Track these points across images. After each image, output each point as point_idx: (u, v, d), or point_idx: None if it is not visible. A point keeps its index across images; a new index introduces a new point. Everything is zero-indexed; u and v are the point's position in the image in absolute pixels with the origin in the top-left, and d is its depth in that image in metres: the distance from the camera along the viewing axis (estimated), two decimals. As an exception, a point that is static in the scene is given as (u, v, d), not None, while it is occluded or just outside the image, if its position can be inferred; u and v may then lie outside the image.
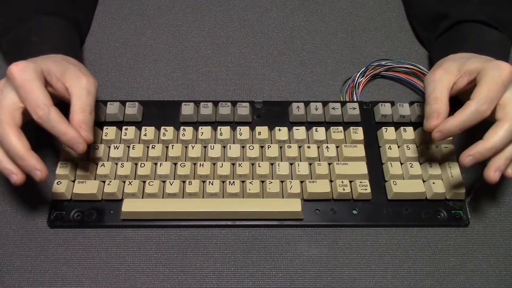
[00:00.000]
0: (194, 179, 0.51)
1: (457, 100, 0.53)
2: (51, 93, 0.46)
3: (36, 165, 0.44)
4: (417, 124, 0.55)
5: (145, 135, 0.53)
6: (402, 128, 0.54)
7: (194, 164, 0.52)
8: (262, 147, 0.54)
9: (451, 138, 0.54)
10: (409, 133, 0.54)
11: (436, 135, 0.46)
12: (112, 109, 0.55)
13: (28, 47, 0.51)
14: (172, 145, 0.53)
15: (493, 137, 0.44)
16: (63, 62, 0.48)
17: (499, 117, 0.45)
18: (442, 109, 0.46)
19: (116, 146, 0.53)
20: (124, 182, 0.51)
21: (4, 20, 0.55)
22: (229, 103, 0.56)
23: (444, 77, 0.47)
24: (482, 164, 0.55)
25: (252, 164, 0.52)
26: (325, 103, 0.56)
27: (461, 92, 0.49)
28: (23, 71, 0.44)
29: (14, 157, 0.43)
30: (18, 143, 0.43)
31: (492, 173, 0.45)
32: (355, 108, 0.56)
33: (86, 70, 0.50)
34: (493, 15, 0.55)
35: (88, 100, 0.46)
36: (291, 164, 0.53)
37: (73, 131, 0.44)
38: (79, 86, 0.46)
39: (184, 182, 0.51)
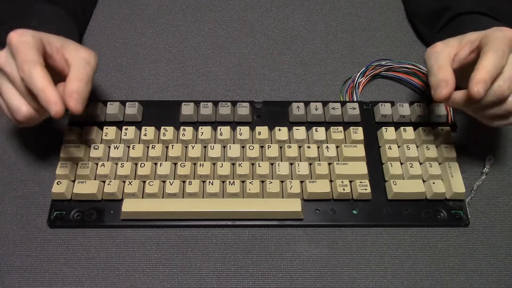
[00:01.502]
0: (194, 179, 0.51)
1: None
2: (51, 64, 0.46)
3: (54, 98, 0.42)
4: (417, 124, 0.55)
5: (145, 135, 0.53)
6: (402, 128, 0.54)
7: (194, 164, 0.52)
8: (262, 147, 0.54)
9: (451, 138, 0.54)
10: (409, 133, 0.54)
11: (476, 89, 0.42)
12: (112, 109, 0.55)
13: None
14: (172, 145, 0.53)
15: (484, 62, 0.43)
16: (62, 36, 0.48)
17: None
18: (449, 76, 0.45)
19: (116, 146, 0.53)
20: (124, 182, 0.51)
21: (4, 9, 0.55)
22: (229, 103, 0.56)
23: (445, 49, 0.47)
24: (482, 164, 0.55)
25: (252, 164, 0.52)
26: (325, 103, 0.56)
27: (463, 64, 0.48)
28: (20, 36, 0.44)
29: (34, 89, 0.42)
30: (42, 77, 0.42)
31: (475, 86, 0.42)
32: (355, 108, 0.56)
33: (91, 51, 0.49)
34: (493, 6, 0.55)
35: (86, 70, 0.45)
36: (291, 164, 0.53)
37: (53, 90, 0.42)
38: (78, 56, 0.46)
39: (184, 182, 0.51)
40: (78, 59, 0.46)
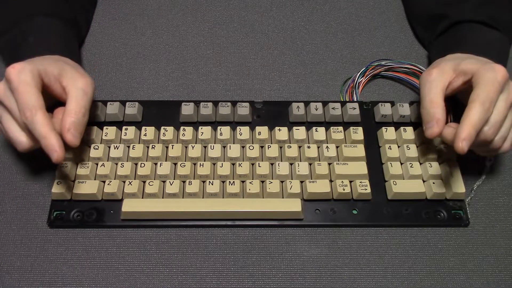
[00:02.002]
0: (194, 179, 0.51)
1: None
2: (49, 93, 0.47)
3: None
4: (417, 124, 0.55)
5: (145, 135, 0.53)
6: (402, 128, 0.54)
7: (194, 164, 0.52)
8: (262, 147, 0.54)
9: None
10: (409, 133, 0.54)
11: (461, 145, 0.44)
12: (112, 109, 0.55)
13: (25, 48, 0.51)
14: (172, 145, 0.53)
15: (470, 114, 0.44)
16: (60, 62, 0.48)
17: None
18: (439, 114, 0.46)
19: (116, 146, 0.53)
20: (124, 182, 0.51)
21: (1, 22, 0.55)
22: (229, 103, 0.56)
23: (439, 77, 0.48)
24: (482, 164, 0.55)
25: (252, 164, 0.52)
26: (325, 103, 0.56)
27: (455, 92, 0.49)
28: (19, 73, 0.44)
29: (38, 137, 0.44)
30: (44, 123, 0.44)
31: (460, 143, 0.44)
32: (355, 108, 0.56)
33: (83, 70, 0.50)
34: (492, 15, 0.55)
35: (83, 101, 0.46)
36: (291, 164, 0.53)
37: (54, 138, 0.43)
38: (76, 86, 0.46)
39: (184, 182, 0.51)
40: (76, 90, 0.46)
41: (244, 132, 0.54)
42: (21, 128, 0.46)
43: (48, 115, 0.45)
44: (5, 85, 0.46)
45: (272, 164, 0.53)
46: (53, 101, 0.49)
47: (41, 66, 0.46)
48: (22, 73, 0.44)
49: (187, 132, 0.54)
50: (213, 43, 0.65)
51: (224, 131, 0.54)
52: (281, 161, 0.53)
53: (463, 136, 0.43)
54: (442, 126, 0.46)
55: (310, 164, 0.52)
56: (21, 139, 0.46)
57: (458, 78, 0.48)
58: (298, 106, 0.56)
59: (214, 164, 0.52)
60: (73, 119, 0.45)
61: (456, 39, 0.55)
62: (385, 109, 0.56)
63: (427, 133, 0.47)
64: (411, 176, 0.52)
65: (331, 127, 0.54)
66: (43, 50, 0.51)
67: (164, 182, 0.51)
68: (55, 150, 0.43)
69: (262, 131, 0.54)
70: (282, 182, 0.52)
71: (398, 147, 0.54)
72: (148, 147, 0.53)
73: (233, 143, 0.54)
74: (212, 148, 0.53)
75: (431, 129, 0.46)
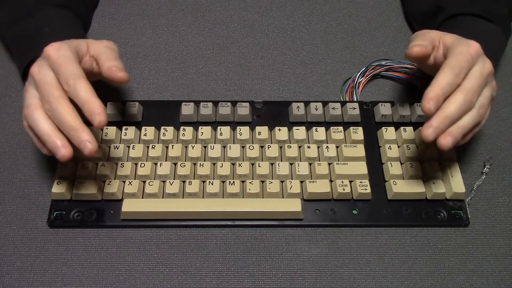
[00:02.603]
0: (194, 179, 0.51)
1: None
2: (85, 69, 0.47)
3: (87, 137, 0.43)
4: (417, 124, 0.55)
5: (145, 135, 0.53)
6: (402, 128, 0.54)
7: (194, 164, 0.52)
8: (262, 147, 0.54)
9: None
10: (409, 133, 0.54)
11: (427, 105, 0.43)
12: (112, 109, 0.55)
13: (41, 38, 0.51)
14: (172, 145, 0.53)
15: (450, 106, 0.44)
16: (83, 39, 0.50)
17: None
18: (429, 45, 0.48)
19: (116, 146, 0.53)
20: (124, 182, 0.51)
21: (10, 13, 0.55)
22: (229, 103, 0.56)
23: (431, 33, 0.50)
24: (482, 164, 0.55)
25: (252, 164, 0.52)
26: (325, 103, 0.56)
27: (436, 65, 0.49)
28: (57, 49, 0.45)
29: (67, 128, 0.43)
30: (72, 114, 0.43)
31: (443, 139, 0.43)
32: (355, 108, 0.56)
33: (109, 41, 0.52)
34: (487, 8, 0.55)
35: (113, 53, 0.48)
36: (291, 164, 0.53)
37: (96, 102, 0.43)
38: (101, 45, 0.49)
39: (184, 182, 0.51)
40: (102, 48, 0.49)
41: (244, 132, 0.54)
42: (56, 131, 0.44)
43: (90, 85, 0.44)
44: (42, 62, 0.46)
45: (272, 164, 0.53)
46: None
47: (74, 43, 0.47)
48: (61, 49, 0.45)
49: (187, 132, 0.54)
50: (213, 43, 0.65)
51: (224, 131, 0.54)
52: (281, 161, 0.53)
53: (430, 95, 0.43)
54: (427, 50, 0.48)
55: (310, 164, 0.52)
56: (50, 132, 0.44)
57: (440, 50, 0.49)
58: (298, 106, 0.56)
59: (214, 164, 0.52)
60: (111, 62, 0.47)
61: (451, 31, 0.55)
62: (385, 109, 0.56)
63: (409, 50, 0.48)
64: (411, 176, 0.52)
65: (331, 127, 0.54)
66: (59, 38, 0.50)
67: (164, 182, 0.51)
68: (98, 113, 0.42)
69: (262, 131, 0.54)
70: (282, 182, 0.52)
71: (398, 147, 0.54)
72: (148, 147, 0.53)
73: (233, 143, 0.54)
74: (212, 148, 0.53)
75: (413, 48, 0.47)
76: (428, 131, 0.43)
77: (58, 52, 0.45)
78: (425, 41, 0.48)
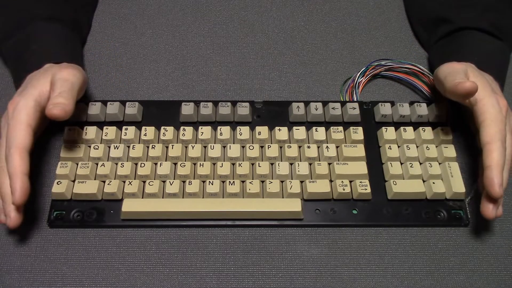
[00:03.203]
0: (194, 179, 0.51)
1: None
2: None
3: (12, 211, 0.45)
4: (417, 124, 0.55)
5: (145, 135, 0.53)
6: (402, 128, 0.54)
7: (194, 164, 0.52)
8: (262, 147, 0.54)
9: (450, 137, 0.54)
10: (409, 133, 0.54)
11: (498, 191, 0.45)
12: (112, 109, 0.55)
13: (28, 55, 0.52)
14: (172, 145, 0.53)
15: (496, 157, 0.45)
16: (48, 72, 0.49)
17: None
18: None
19: (116, 146, 0.53)
20: (124, 182, 0.51)
21: (3, 25, 0.55)
22: (229, 103, 0.56)
23: (465, 70, 0.49)
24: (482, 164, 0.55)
25: (252, 164, 0.52)
26: (325, 103, 0.56)
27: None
28: (14, 109, 0.46)
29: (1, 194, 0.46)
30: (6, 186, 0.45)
31: (496, 188, 0.45)
32: (355, 108, 0.56)
33: (72, 65, 0.51)
34: (495, 23, 0.55)
35: (63, 86, 0.47)
36: (291, 164, 0.53)
37: (20, 181, 0.44)
38: (57, 78, 0.48)
39: (184, 182, 0.51)
40: (57, 81, 0.48)
41: (244, 132, 0.54)
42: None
43: (27, 159, 0.45)
44: (5, 115, 0.48)
45: (272, 164, 0.53)
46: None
47: (34, 90, 0.47)
48: (15, 110, 0.46)
49: (187, 132, 0.54)
50: (213, 43, 0.65)
51: (224, 131, 0.54)
52: (281, 161, 0.53)
53: (497, 181, 0.44)
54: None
55: (310, 164, 0.52)
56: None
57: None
58: (298, 106, 0.56)
59: (214, 164, 0.52)
60: (55, 98, 0.46)
61: (457, 45, 0.55)
62: (385, 109, 0.56)
63: (465, 85, 0.46)
64: (411, 176, 0.52)
65: (331, 127, 0.54)
66: (46, 57, 0.51)
67: (164, 182, 0.51)
68: (15, 192, 0.43)
69: (262, 131, 0.54)
70: (282, 182, 0.52)
71: (398, 147, 0.54)
72: (148, 147, 0.53)
73: (233, 143, 0.54)
74: (212, 148, 0.53)
75: (463, 84, 0.46)
76: (494, 211, 0.46)
77: (12, 113, 0.46)
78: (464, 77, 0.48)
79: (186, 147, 0.53)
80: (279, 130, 0.54)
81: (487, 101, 0.47)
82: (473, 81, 0.46)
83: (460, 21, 0.56)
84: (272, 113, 0.57)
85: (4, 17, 0.55)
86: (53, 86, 0.48)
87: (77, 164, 0.51)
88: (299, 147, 0.54)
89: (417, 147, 0.54)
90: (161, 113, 0.56)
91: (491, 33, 0.54)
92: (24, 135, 0.45)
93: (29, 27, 0.54)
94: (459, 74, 0.48)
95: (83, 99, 0.56)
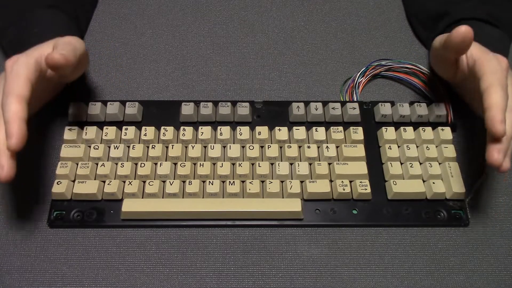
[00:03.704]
0: (194, 179, 0.51)
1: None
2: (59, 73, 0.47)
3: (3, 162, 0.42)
4: (417, 124, 0.55)
5: (145, 135, 0.53)
6: (402, 128, 0.54)
7: (194, 164, 0.52)
8: (262, 147, 0.54)
9: (450, 138, 0.54)
10: (409, 133, 0.54)
11: (501, 128, 0.42)
12: (112, 109, 0.55)
13: (30, 38, 0.51)
14: (172, 145, 0.53)
15: (497, 98, 0.43)
16: (54, 40, 0.49)
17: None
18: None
19: (116, 146, 0.53)
20: (124, 182, 0.51)
21: (4, 16, 0.55)
22: (229, 103, 0.56)
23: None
24: (482, 164, 0.55)
25: (252, 164, 0.52)
26: (325, 103, 0.56)
27: (459, 75, 0.49)
28: (13, 64, 0.45)
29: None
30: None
31: (499, 125, 0.42)
32: (355, 108, 0.56)
33: (78, 38, 0.51)
34: (492, 13, 0.55)
35: (66, 46, 0.46)
36: (291, 164, 0.53)
37: (15, 125, 0.41)
38: (59, 41, 0.47)
39: (184, 182, 0.51)
40: (59, 43, 0.47)
41: (244, 132, 0.54)
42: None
43: (25, 107, 0.43)
44: (2, 74, 0.46)
45: (272, 164, 0.53)
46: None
47: (36, 51, 0.46)
48: (15, 64, 0.45)
49: (187, 132, 0.54)
50: (213, 43, 0.65)
51: (224, 131, 0.54)
52: (281, 161, 0.53)
53: (500, 117, 0.42)
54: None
55: (310, 164, 0.52)
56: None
57: (463, 58, 0.49)
58: (298, 106, 0.56)
59: (214, 164, 0.52)
60: (58, 51, 0.45)
61: None
62: (385, 109, 0.56)
63: (460, 29, 0.44)
64: (411, 176, 0.52)
65: (331, 127, 0.54)
66: (49, 38, 0.50)
67: (164, 182, 0.51)
68: (13, 136, 0.41)
69: (262, 131, 0.54)
70: (282, 182, 0.52)
71: (398, 147, 0.54)
72: (148, 147, 0.53)
73: (233, 143, 0.54)
74: (212, 148, 0.53)
75: (459, 28, 0.44)
76: (500, 156, 0.43)
77: (12, 68, 0.45)
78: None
79: (186, 147, 0.53)
80: (279, 130, 0.54)
81: (486, 57, 0.46)
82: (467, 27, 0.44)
83: (458, 13, 0.56)
84: (272, 113, 0.57)
85: (5, 9, 0.55)
86: (55, 48, 0.46)
87: (77, 164, 0.51)
88: (299, 147, 0.54)
89: (417, 147, 0.54)
90: (161, 113, 0.56)
91: (489, 22, 0.55)
92: (23, 85, 0.43)
93: (30, 14, 0.54)
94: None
95: (83, 99, 0.56)
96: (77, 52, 0.48)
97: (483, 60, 0.46)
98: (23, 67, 0.44)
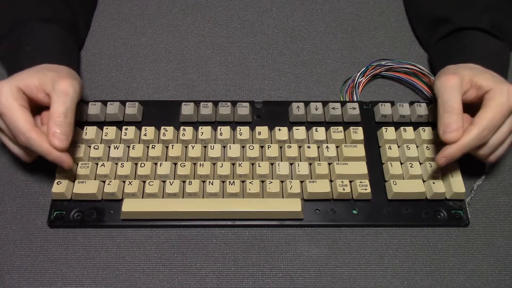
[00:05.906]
0: (194, 179, 0.51)
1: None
2: (37, 103, 0.48)
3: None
4: (417, 124, 0.55)
5: (145, 135, 0.53)
6: (402, 128, 0.54)
7: (194, 164, 0.52)
8: (262, 147, 0.54)
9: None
10: (409, 133, 0.54)
11: (441, 161, 0.47)
12: (112, 109, 0.55)
13: (22, 56, 0.51)
14: (172, 145, 0.53)
15: (465, 138, 0.46)
16: (39, 71, 0.48)
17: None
18: (460, 121, 0.46)
19: (116, 146, 0.53)
20: (124, 182, 0.51)
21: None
22: (229, 103, 0.56)
23: (458, 85, 0.47)
24: (482, 164, 0.55)
25: (252, 164, 0.52)
26: (325, 103, 0.56)
27: (466, 104, 0.49)
28: (0, 96, 0.45)
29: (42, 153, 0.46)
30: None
31: (439, 159, 0.48)
32: (355, 108, 0.56)
33: (70, 73, 0.50)
34: (494, 23, 0.55)
35: (65, 103, 0.46)
36: (291, 164, 0.53)
37: (56, 151, 0.45)
38: (56, 89, 0.46)
39: (184, 182, 0.51)
40: (56, 93, 0.46)
41: (244, 132, 0.54)
42: (17, 145, 0.48)
43: (39, 129, 0.46)
44: None
45: (272, 164, 0.53)
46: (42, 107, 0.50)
47: (20, 81, 0.47)
48: (2, 96, 0.45)
49: (187, 132, 0.54)
50: (213, 43, 0.65)
51: (224, 131, 0.54)
52: (281, 161, 0.53)
53: (444, 153, 0.47)
54: (461, 133, 0.46)
55: (310, 164, 0.52)
56: (21, 156, 0.49)
57: (472, 91, 0.48)
58: (298, 106, 0.56)
59: (214, 164, 0.52)
60: (56, 121, 0.45)
61: (458, 46, 0.55)
62: (385, 109, 0.56)
63: (446, 136, 0.46)
64: (411, 176, 0.52)
65: (331, 127, 0.54)
66: (40, 58, 0.50)
67: (164, 182, 0.51)
68: (63, 161, 0.46)
69: (262, 131, 0.54)
70: (282, 182, 0.52)
71: (398, 147, 0.54)
72: (148, 147, 0.53)
73: (233, 143, 0.54)
74: (212, 148, 0.53)
75: (451, 134, 0.46)
76: (442, 160, 0.48)
77: (0, 99, 0.45)
78: (458, 110, 0.47)
79: (186, 147, 0.53)
80: (279, 130, 0.54)
81: (497, 90, 0.47)
82: (444, 157, 0.47)
83: (460, 21, 0.56)
84: (272, 113, 0.57)
85: (0, 17, 0.55)
86: (52, 98, 0.46)
87: (77, 164, 0.51)
88: (299, 147, 0.54)
89: (417, 147, 0.54)
90: (161, 113, 0.56)
91: (491, 33, 0.54)
92: (23, 116, 0.45)
93: (23, 28, 0.53)
94: (453, 93, 0.47)
95: (83, 99, 0.56)
96: (74, 104, 0.47)
97: (495, 91, 0.47)
98: (11, 99, 0.45)
